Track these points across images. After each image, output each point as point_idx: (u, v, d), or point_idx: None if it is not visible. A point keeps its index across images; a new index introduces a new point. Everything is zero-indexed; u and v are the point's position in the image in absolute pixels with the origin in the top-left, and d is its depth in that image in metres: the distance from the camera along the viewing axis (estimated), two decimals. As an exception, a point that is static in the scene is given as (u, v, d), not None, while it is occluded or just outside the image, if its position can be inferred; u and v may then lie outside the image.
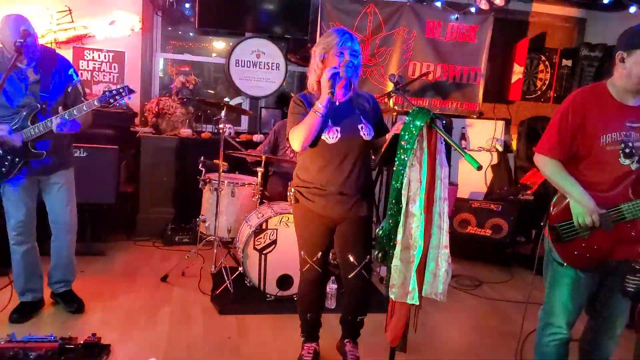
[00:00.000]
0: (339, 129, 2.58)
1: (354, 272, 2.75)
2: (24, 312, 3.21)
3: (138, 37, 5.19)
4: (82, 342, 2.81)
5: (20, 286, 3.24)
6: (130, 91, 3.09)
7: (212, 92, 5.99)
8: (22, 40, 2.82)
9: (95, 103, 3.00)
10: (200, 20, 5.05)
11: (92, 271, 3.83)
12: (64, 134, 3.03)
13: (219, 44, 5.84)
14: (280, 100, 5.61)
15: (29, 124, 2.99)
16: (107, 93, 3.02)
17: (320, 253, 2.78)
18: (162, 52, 5.49)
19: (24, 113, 2.99)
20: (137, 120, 5.20)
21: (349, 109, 2.65)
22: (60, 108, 3.04)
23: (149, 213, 5.11)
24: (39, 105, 3.01)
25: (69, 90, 3.14)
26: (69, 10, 4.88)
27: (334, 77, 2.44)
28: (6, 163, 3.01)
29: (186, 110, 5.26)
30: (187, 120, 5.28)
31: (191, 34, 5.69)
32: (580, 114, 2.35)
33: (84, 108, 2.98)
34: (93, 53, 5.01)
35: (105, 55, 5.08)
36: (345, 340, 3.00)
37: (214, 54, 5.88)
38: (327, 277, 3.03)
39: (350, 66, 2.53)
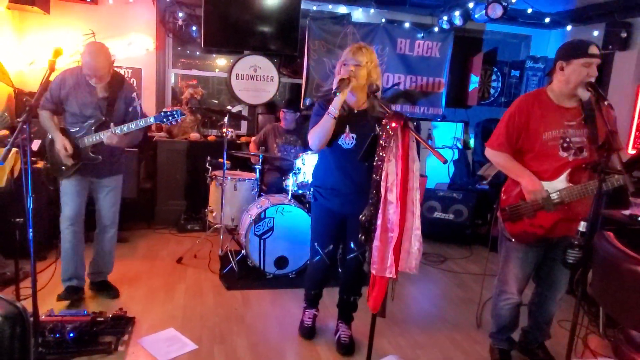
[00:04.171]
0: (354, 135, 2.51)
1: (352, 255, 2.73)
2: (69, 295, 3.08)
3: (153, 55, 5.14)
4: (110, 315, 2.81)
5: (69, 273, 3.09)
6: (182, 114, 3.05)
7: (216, 101, 5.96)
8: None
9: (151, 120, 2.97)
10: (205, 41, 5.02)
11: (119, 255, 3.77)
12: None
13: (222, 61, 5.80)
14: (273, 107, 5.59)
15: (93, 132, 2.96)
16: (161, 114, 3.00)
17: (331, 246, 2.72)
18: (173, 68, 5.43)
19: (90, 122, 2.97)
20: (153, 127, 5.15)
21: (365, 118, 2.53)
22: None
23: (165, 205, 5.08)
24: (103, 118, 2.97)
25: (129, 110, 3.08)
26: (93, 33, 4.81)
27: (341, 82, 2.38)
28: (67, 163, 2.99)
29: (195, 118, 5.23)
30: (196, 126, 5.25)
31: (198, 53, 5.64)
32: (525, 115, 2.37)
33: (141, 123, 2.93)
34: (114, 69, 4.94)
35: (124, 71, 5.01)
36: (338, 322, 2.92)
37: (217, 70, 5.84)
38: (332, 267, 2.84)
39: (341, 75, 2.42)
